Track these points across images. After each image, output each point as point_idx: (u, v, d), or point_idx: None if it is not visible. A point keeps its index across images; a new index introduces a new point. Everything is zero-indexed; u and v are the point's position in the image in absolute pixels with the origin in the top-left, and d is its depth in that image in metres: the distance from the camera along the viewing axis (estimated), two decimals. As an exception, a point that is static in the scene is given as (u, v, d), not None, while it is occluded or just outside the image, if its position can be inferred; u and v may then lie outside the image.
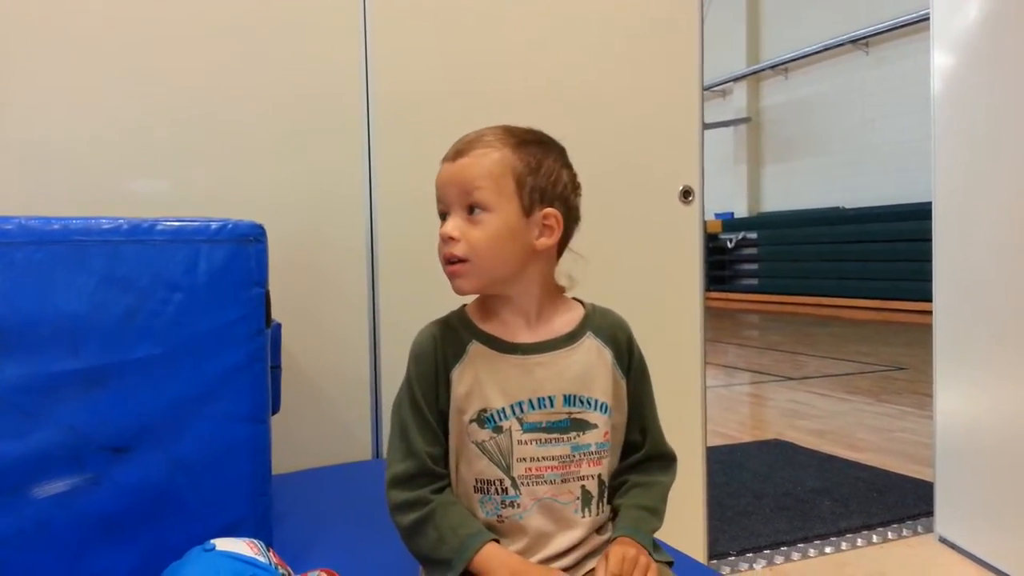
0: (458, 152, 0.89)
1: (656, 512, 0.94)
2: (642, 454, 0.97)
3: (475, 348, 0.91)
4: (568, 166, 0.93)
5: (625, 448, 0.97)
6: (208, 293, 1.01)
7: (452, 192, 0.88)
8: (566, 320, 0.94)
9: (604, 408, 0.91)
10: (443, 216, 0.90)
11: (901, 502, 2.58)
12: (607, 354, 0.93)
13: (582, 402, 0.90)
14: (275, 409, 1.27)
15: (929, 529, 2.33)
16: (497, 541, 0.87)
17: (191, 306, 1.00)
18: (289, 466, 1.48)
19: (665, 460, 0.99)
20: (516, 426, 0.89)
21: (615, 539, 0.89)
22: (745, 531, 2.34)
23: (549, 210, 0.89)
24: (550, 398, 0.90)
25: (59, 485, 0.95)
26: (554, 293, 0.95)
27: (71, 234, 0.98)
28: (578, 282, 0.97)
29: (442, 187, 0.90)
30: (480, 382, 0.90)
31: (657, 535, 0.93)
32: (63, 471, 0.95)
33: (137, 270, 0.99)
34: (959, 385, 2.24)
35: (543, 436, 0.89)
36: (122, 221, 1.00)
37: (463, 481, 0.92)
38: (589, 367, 0.92)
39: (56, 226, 0.98)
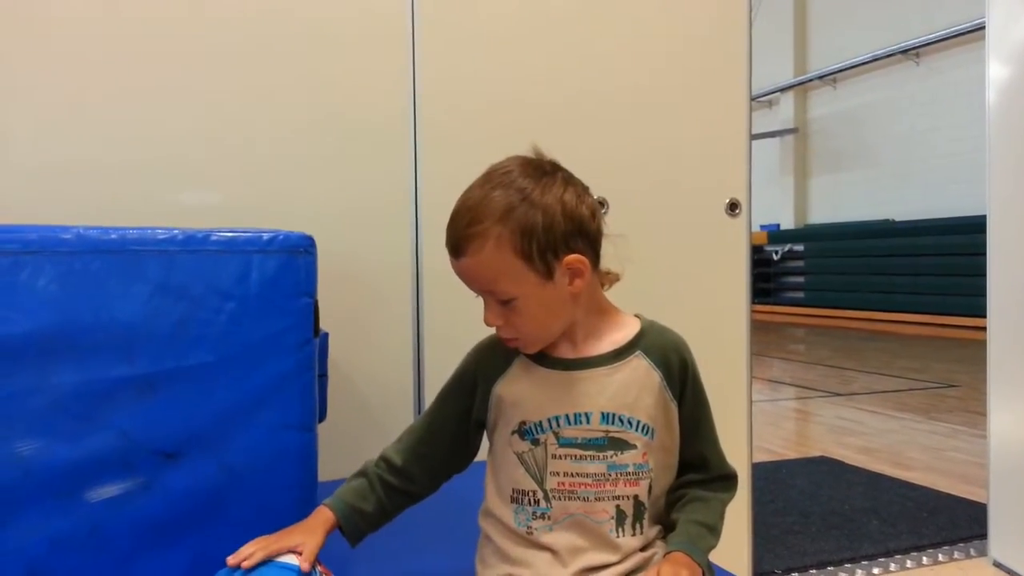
0: (455, 248, 0.86)
1: (714, 530, 0.92)
2: (704, 476, 0.96)
3: (520, 362, 0.93)
4: (564, 190, 0.86)
5: (682, 468, 0.96)
6: (259, 302, 1.03)
7: (474, 288, 0.88)
8: (617, 337, 0.93)
9: (646, 430, 0.90)
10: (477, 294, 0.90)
11: (952, 523, 2.51)
12: (656, 375, 0.92)
13: (622, 421, 0.89)
14: (321, 417, 1.28)
15: (982, 552, 2.26)
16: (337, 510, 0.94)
17: (242, 315, 1.02)
18: (334, 473, 1.48)
19: (728, 480, 0.98)
20: (552, 440, 0.89)
21: (669, 553, 0.87)
22: (790, 550, 2.30)
23: (567, 259, 0.86)
24: (587, 414, 0.89)
25: (111, 489, 0.97)
26: (605, 309, 0.95)
27: (128, 244, 1.01)
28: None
29: (461, 278, 0.89)
30: (522, 395, 0.91)
31: (700, 552, 0.91)
32: (115, 475, 0.97)
33: (191, 279, 1.01)
34: (1015, 403, 2.17)
35: (579, 452, 0.89)
36: (177, 231, 1.03)
37: (500, 490, 0.92)
38: (633, 386, 0.91)
39: (113, 236, 1.01)
